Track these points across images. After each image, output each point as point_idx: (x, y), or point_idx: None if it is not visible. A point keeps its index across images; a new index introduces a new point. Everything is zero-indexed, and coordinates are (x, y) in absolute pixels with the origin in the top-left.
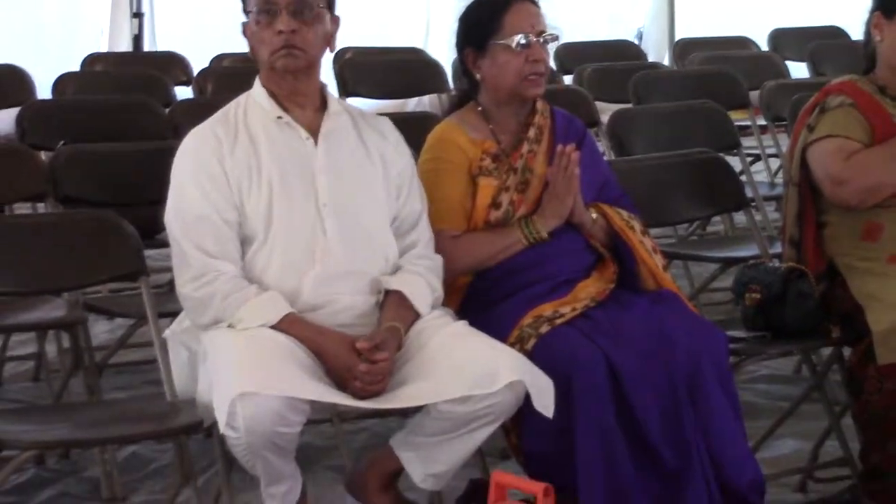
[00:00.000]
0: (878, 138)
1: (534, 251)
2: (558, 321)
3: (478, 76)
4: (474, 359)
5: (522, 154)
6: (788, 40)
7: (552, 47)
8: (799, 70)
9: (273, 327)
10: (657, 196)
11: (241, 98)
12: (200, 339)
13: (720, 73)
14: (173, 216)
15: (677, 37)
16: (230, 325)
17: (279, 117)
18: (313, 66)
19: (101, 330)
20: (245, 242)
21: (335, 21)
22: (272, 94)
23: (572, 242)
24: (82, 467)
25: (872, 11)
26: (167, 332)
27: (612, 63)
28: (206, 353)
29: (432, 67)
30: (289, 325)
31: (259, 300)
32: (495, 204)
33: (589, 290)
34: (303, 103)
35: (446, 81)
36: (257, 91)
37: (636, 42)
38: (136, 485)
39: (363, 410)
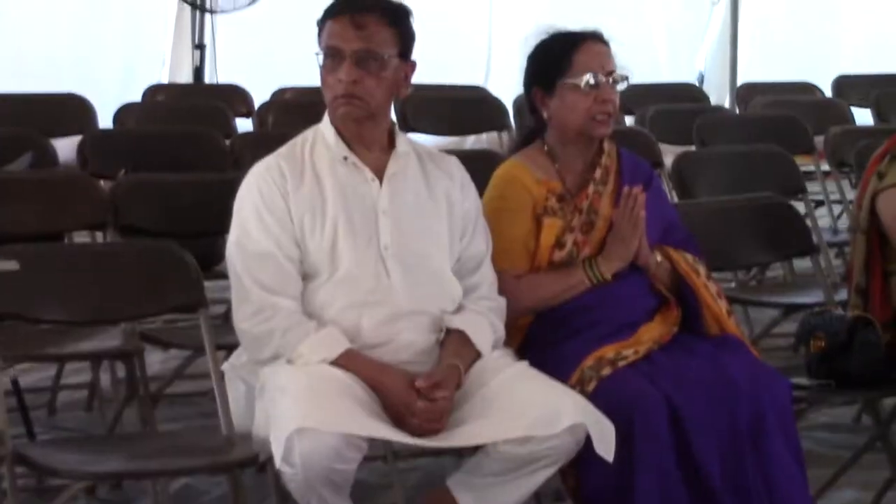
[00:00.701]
0: None
1: (597, 293)
2: (621, 363)
3: (545, 115)
4: (535, 400)
5: (588, 195)
6: (852, 86)
7: (621, 87)
8: (863, 116)
9: (332, 363)
10: (721, 239)
11: (309, 133)
12: (258, 373)
13: (785, 118)
14: (235, 251)
15: (739, 80)
16: (289, 361)
17: (345, 157)
18: (375, 115)
19: (154, 360)
20: (305, 278)
21: (410, 66)
22: (339, 133)
23: (636, 285)
24: (133, 498)
25: None
26: (225, 366)
27: (675, 105)
28: (263, 387)
29: (494, 105)
30: (348, 361)
31: (318, 336)
32: (559, 244)
33: (652, 333)
34: (369, 145)
35: (508, 119)
36: (325, 128)
37: (697, 85)
38: None
39: (421, 448)
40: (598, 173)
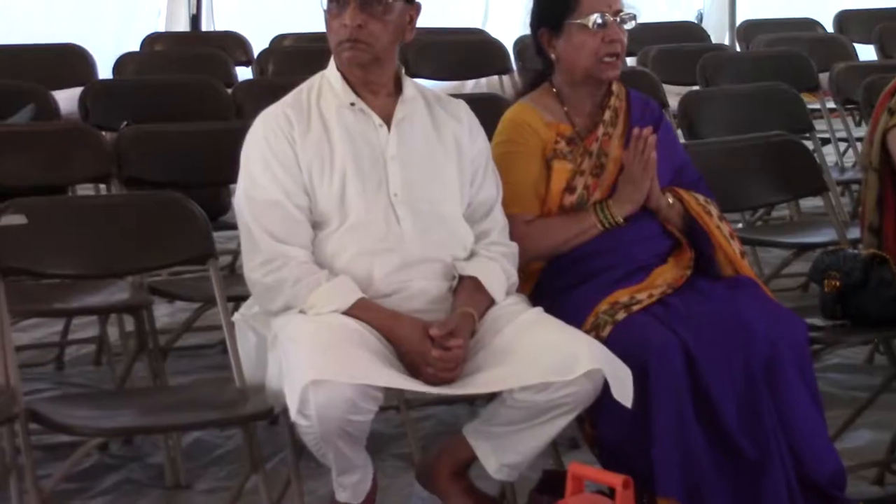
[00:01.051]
0: None
1: (609, 236)
2: (635, 308)
3: (553, 57)
4: (552, 346)
5: (598, 137)
6: (855, 22)
7: (629, 26)
8: (866, 52)
9: (345, 313)
10: (731, 180)
11: (315, 79)
12: (270, 324)
13: (789, 55)
14: (244, 201)
15: (739, 19)
16: (301, 311)
17: (352, 104)
18: (380, 59)
19: (160, 314)
20: (315, 227)
21: (415, 9)
22: (345, 79)
23: (648, 228)
24: (146, 453)
25: None
26: (236, 317)
27: (677, 45)
28: (276, 338)
29: (495, 48)
30: (361, 311)
31: (330, 285)
32: (570, 188)
33: (665, 276)
34: (375, 90)
35: (510, 62)
36: (331, 74)
37: (697, 23)
38: (199, 471)
39: (436, 397)
40: (607, 115)
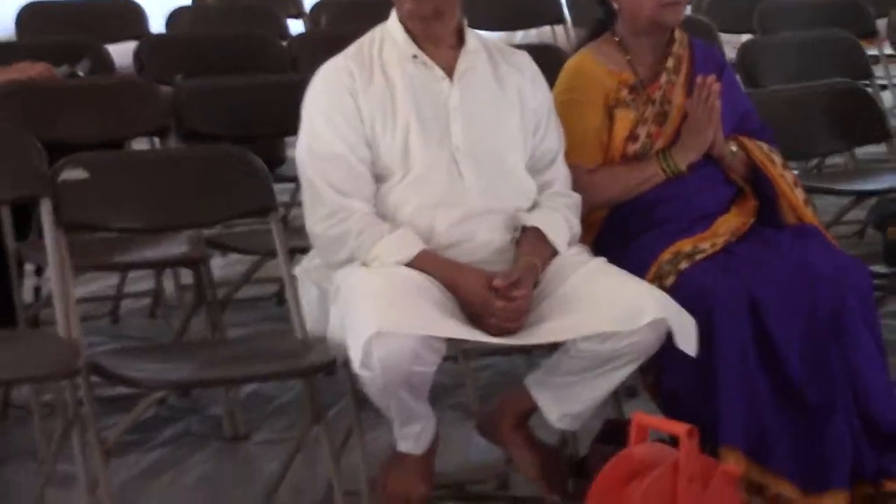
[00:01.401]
0: None
1: (672, 185)
2: (698, 257)
3: (615, 5)
4: (615, 296)
5: (661, 85)
6: None
7: None
8: None
9: (408, 264)
10: (794, 128)
11: (377, 32)
12: (332, 277)
13: (847, 1)
14: (306, 154)
15: None
16: (363, 264)
17: (414, 56)
18: (442, 11)
19: (214, 266)
20: (378, 180)
21: None
22: (407, 30)
23: (711, 176)
24: (204, 405)
25: None
26: (298, 269)
27: None
28: (338, 290)
29: None
30: (423, 262)
31: (393, 237)
32: (633, 137)
33: (729, 224)
34: (438, 42)
35: (562, 12)
36: (393, 26)
37: None
38: (258, 423)
39: (501, 347)
40: (670, 63)
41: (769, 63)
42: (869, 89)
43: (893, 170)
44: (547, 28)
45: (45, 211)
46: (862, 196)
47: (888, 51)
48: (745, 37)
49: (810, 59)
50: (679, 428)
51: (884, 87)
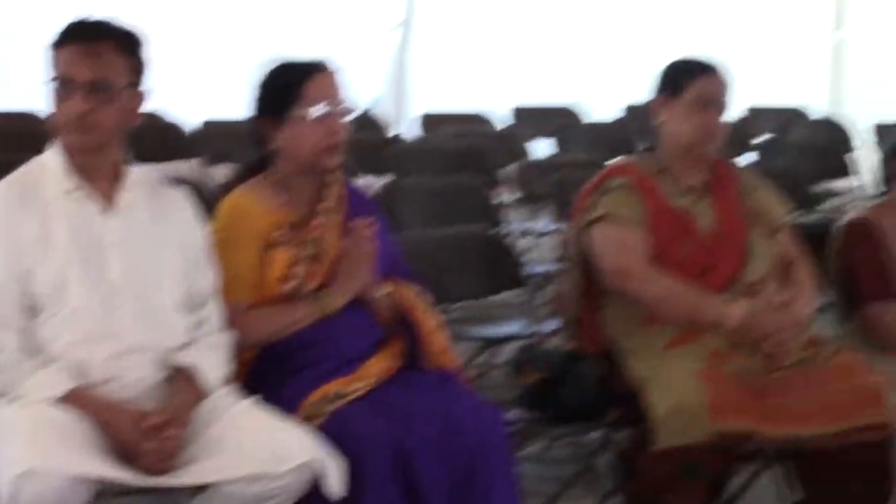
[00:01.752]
0: (652, 219)
1: (322, 327)
2: (346, 398)
3: (274, 146)
4: (264, 437)
5: (317, 225)
6: (529, 117)
7: (350, 117)
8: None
9: (59, 401)
10: (437, 273)
11: (34, 163)
12: None
13: (472, 149)
14: None
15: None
16: (13, 399)
17: (74, 188)
18: (106, 145)
19: None
20: (31, 312)
21: (141, 95)
22: (68, 163)
23: (359, 319)
24: None
25: (657, 93)
26: None
27: (363, 133)
28: None
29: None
30: (75, 400)
31: (44, 374)
32: (289, 276)
33: (377, 367)
34: (99, 176)
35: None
36: (52, 158)
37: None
38: None
39: (150, 486)
40: (326, 204)
41: (409, 205)
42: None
43: (523, 315)
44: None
45: None
46: (495, 342)
47: (514, 196)
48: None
49: (447, 203)
50: None
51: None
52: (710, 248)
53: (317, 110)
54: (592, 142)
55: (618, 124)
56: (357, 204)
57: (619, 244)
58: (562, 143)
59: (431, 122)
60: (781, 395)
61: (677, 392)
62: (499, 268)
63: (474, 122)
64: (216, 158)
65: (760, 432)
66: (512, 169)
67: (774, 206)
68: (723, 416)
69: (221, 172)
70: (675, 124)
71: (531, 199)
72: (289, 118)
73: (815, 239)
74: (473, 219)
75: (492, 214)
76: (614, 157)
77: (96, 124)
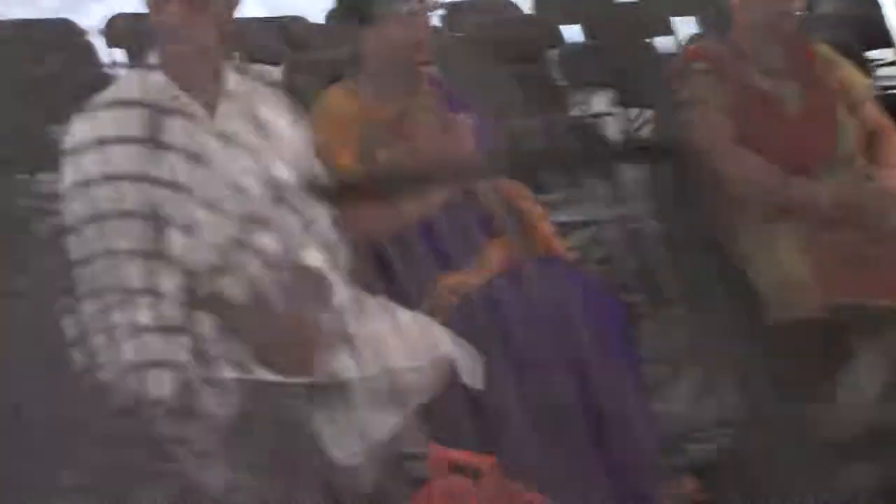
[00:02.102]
0: (736, 102)
1: (430, 223)
2: (465, 291)
3: (362, 46)
4: (398, 333)
5: (412, 121)
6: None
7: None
8: None
9: None
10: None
11: (128, 76)
12: None
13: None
14: None
15: None
16: None
17: (174, 100)
18: (204, 52)
19: None
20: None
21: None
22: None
23: (469, 212)
24: None
25: None
26: None
27: None
28: None
29: None
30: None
31: None
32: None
33: (491, 259)
34: (196, 85)
35: None
36: (147, 70)
37: None
38: None
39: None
40: (419, 100)
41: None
42: None
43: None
44: None
45: None
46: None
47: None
48: None
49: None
50: (481, 460)
51: None
52: (798, 128)
53: (405, 6)
54: (618, 24)
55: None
56: (450, 98)
57: (705, 126)
58: (588, 30)
59: (455, 12)
60: (886, 266)
61: (784, 267)
62: (587, 153)
63: (500, 9)
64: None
65: (868, 304)
66: (553, 54)
67: (856, 79)
68: (831, 290)
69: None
70: (750, 4)
71: (577, 85)
72: (375, 16)
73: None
74: (543, 108)
75: (562, 100)
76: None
77: (193, 33)
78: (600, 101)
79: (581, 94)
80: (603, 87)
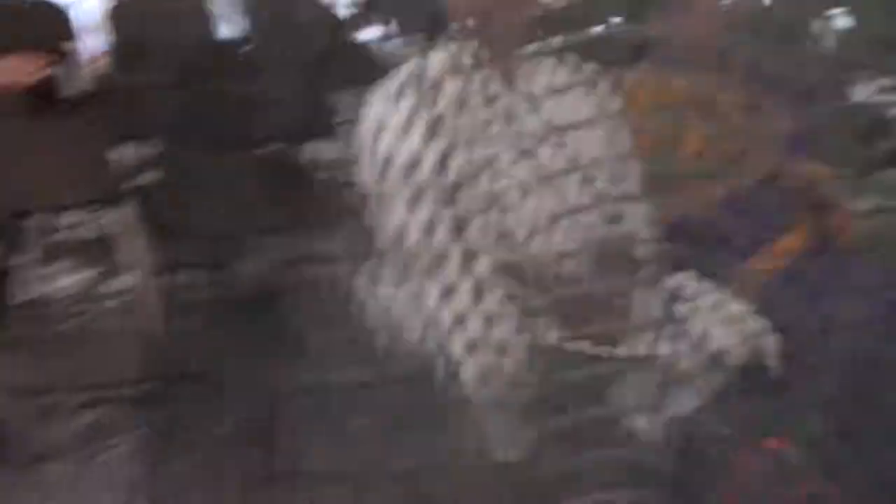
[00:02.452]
0: None
1: (733, 203)
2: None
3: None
4: (705, 310)
5: (723, 100)
6: None
7: None
8: None
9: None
10: None
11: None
12: None
13: None
14: None
15: None
16: None
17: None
18: (509, 34)
19: None
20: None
21: None
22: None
23: (772, 195)
24: None
25: None
26: None
27: None
28: None
29: None
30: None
31: None
32: (704, 151)
33: (790, 245)
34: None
35: None
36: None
37: None
38: None
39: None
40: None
41: None
42: None
43: None
44: None
45: None
46: None
47: None
48: None
49: None
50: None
51: None
52: None
53: None
54: None
55: None
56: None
57: None
58: None
59: None
60: None
61: None
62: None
63: None
64: None
65: None
66: None
67: None
68: None
69: None
70: None
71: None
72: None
73: None
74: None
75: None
76: None
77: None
78: None
79: None
80: None
